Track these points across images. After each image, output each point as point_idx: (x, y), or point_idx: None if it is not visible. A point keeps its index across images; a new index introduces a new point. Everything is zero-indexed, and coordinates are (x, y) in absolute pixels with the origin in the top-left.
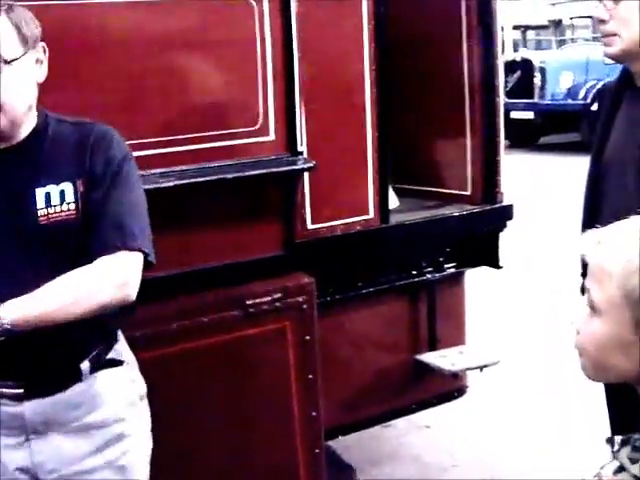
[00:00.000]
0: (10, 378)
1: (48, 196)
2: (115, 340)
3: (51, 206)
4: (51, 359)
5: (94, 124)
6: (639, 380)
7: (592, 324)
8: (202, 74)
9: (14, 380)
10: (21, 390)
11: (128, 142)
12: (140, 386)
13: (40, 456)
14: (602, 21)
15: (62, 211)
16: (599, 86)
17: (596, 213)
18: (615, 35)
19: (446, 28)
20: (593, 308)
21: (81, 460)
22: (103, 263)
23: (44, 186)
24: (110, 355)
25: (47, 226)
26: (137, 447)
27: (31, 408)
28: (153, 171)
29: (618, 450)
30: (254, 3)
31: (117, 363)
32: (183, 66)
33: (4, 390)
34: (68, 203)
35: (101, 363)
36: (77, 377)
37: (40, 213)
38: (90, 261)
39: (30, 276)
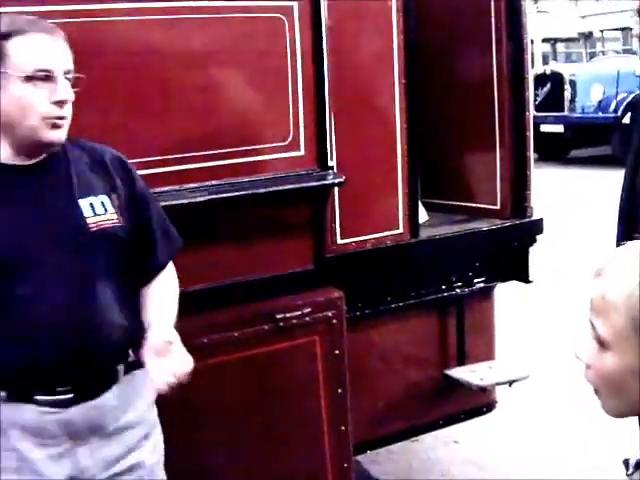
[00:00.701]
0: (57, 384)
1: (92, 206)
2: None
3: (97, 215)
4: (97, 362)
5: (95, 144)
6: None
7: (602, 359)
8: (233, 89)
9: (61, 386)
10: (71, 395)
11: (162, 157)
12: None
13: (85, 461)
14: None
15: (108, 219)
16: (630, 99)
17: (632, 225)
18: None
19: (475, 42)
20: (601, 342)
21: (116, 462)
22: (171, 270)
23: (85, 197)
24: (130, 358)
25: (97, 233)
26: (159, 447)
27: (78, 413)
28: (186, 186)
29: (632, 473)
30: (284, 18)
31: (140, 365)
32: (214, 81)
33: (54, 397)
34: (111, 213)
35: (129, 365)
36: (115, 379)
37: (89, 221)
38: (139, 270)
39: (83, 282)
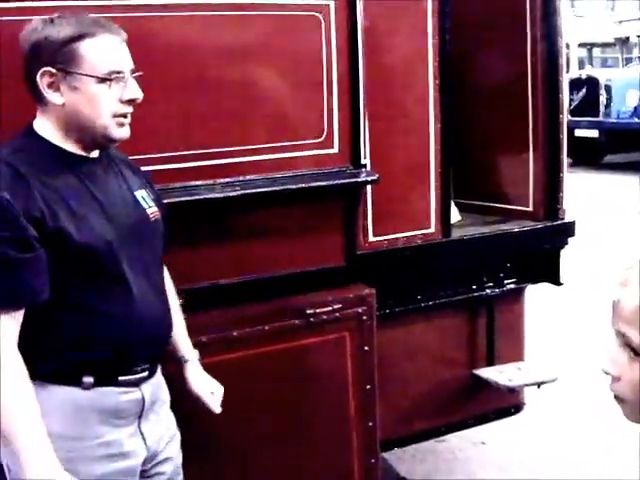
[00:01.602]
0: (135, 365)
1: (144, 198)
2: None
3: (150, 206)
4: (164, 343)
5: None
6: None
7: (635, 369)
8: (269, 86)
9: (138, 366)
10: (146, 373)
11: (198, 151)
12: None
13: (149, 439)
14: None
15: (156, 211)
16: None
17: None
18: None
19: (510, 45)
20: (634, 351)
21: (162, 436)
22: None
23: (136, 190)
24: None
25: (155, 222)
26: (179, 457)
27: (146, 390)
28: (220, 180)
29: None
30: (320, 16)
31: None
32: (251, 78)
33: (133, 376)
34: (153, 205)
35: None
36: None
37: (148, 212)
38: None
39: (154, 269)
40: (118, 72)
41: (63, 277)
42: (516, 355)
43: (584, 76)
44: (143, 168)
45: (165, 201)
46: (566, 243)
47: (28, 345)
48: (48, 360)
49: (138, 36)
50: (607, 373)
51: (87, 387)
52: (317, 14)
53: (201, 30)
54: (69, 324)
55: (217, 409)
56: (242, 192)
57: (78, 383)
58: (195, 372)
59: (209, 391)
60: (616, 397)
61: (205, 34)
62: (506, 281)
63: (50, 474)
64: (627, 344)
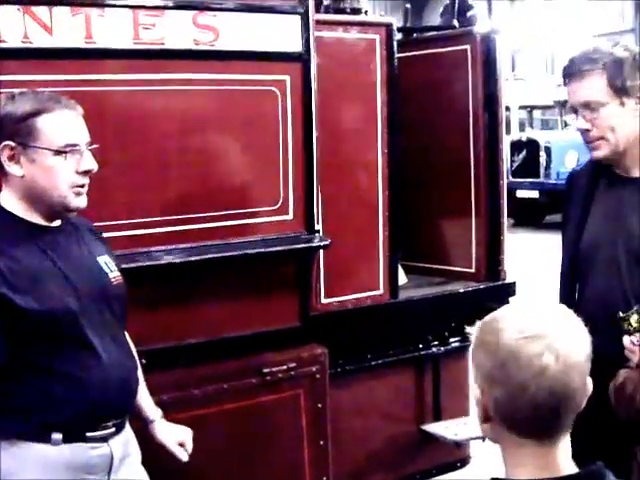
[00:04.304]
0: (103, 422)
1: (107, 264)
2: None
3: (112, 271)
4: (130, 398)
5: None
6: None
7: None
8: (228, 156)
9: (106, 422)
10: (113, 429)
11: (158, 218)
12: None
13: None
14: (586, 130)
15: (118, 276)
16: None
17: (574, 300)
18: (602, 139)
19: (454, 115)
20: None
21: None
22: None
23: (99, 256)
24: None
25: (117, 287)
26: None
27: (116, 446)
28: (181, 246)
29: None
30: (277, 90)
31: None
32: (211, 148)
33: (100, 432)
34: (116, 270)
35: None
36: (131, 412)
37: (111, 276)
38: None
39: (118, 331)
40: (73, 145)
41: (26, 343)
42: (462, 410)
43: (524, 138)
44: (107, 234)
45: (128, 265)
46: (508, 302)
47: None
48: (17, 419)
49: (100, 109)
50: None
51: (56, 443)
52: (274, 88)
53: (164, 103)
54: (34, 387)
55: (184, 457)
56: (202, 257)
57: (47, 440)
58: (160, 429)
59: (176, 442)
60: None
61: (167, 107)
62: (451, 339)
63: None
64: None
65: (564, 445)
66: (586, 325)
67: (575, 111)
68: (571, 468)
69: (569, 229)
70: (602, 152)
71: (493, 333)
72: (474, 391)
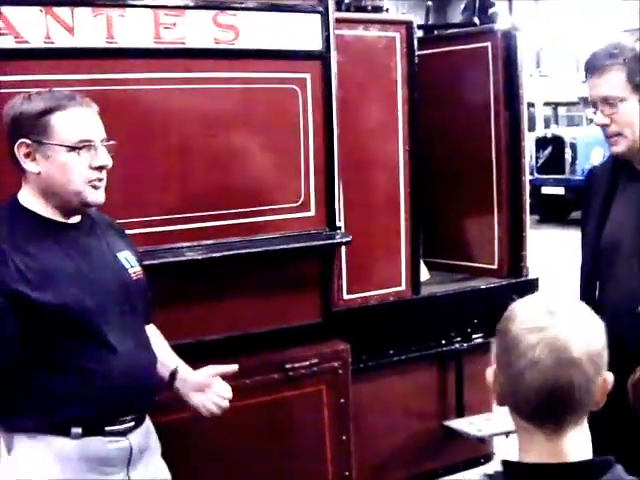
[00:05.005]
0: (122, 416)
1: (127, 259)
2: None
3: (132, 266)
4: (150, 393)
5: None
6: None
7: None
8: (250, 154)
9: (125, 416)
10: (132, 423)
11: (183, 215)
12: None
13: None
14: (605, 125)
15: (138, 271)
16: None
17: (594, 298)
18: (620, 135)
19: (475, 112)
20: None
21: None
22: None
23: (118, 251)
24: None
25: (137, 281)
26: None
27: (135, 439)
28: (203, 243)
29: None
30: (298, 88)
31: None
32: (234, 147)
33: (119, 427)
34: (137, 265)
35: None
36: (151, 405)
37: (130, 271)
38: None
39: (138, 325)
40: (87, 141)
41: (43, 338)
42: (485, 406)
43: (549, 135)
44: (131, 231)
45: (152, 262)
46: None
47: (16, 399)
48: (36, 414)
49: (121, 108)
50: None
51: (75, 437)
52: (295, 86)
53: (184, 102)
54: (53, 382)
55: (216, 410)
56: (223, 253)
57: (66, 434)
58: (186, 380)
59: (206, 399)
60: None
61: (188, 106)
62: (474, 335)
63: None
64: None
65: (575, 436)
66: (606, 321)
67: (595, 106)
68: (580, 458)
69: (589, 225)
70: (620, 148)
71: (506, 320)
72: (489, 374)
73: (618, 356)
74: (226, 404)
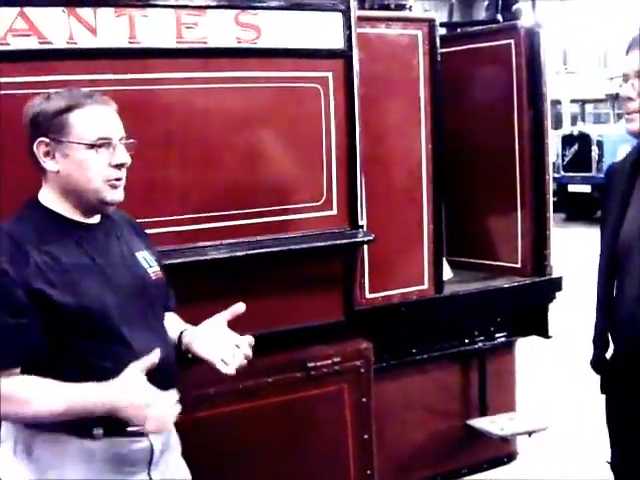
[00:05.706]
0: None
1: (145, 259)
2: None
3: (151, 266)
4: (166, 390)
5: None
6: None
7: None
8: (273, 153)
9: None
10: None
11: (206, 214)
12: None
13: None
14: (629, 98)
15: (157, 271)
16: None
17: (612, 297)
18: (639, 112)
19: (499, 110)
20: None
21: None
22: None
23: (137, 251)
24: None
25: (155, 281)
26: None
27: (157, 439)
28: (226, 242)
29: None
30: (320, 87)
31: None
32: (256, 145)
33: (139, 427)
34: (155, 265)
35: None
36: None
37: (149, 271)
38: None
39: (157, 324)
40: (105, 139)
41: (64, 338)
42: (508, 405)
43: (576, 132)
44: (154, 230)
45: (176, 261)
46: (554, 297)
47: None
48: None
49: (145, 108)
50: None
51: (97, 437)
52: (317, 85)
53: (207, 101)
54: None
55: (229, 370)
56: (246, 252)
57: (88, 434)
58: (194, 333)
59: (217, 354)
60: None
61: (211, 105)
62: (497, 334)
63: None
64: None
65: None
66: (622, 319)
67: (626, 80)
68: None
69: (608, 223)
70: (634, 126)
71: None
72: None
73: (634, 354)
74: (244, 353)
